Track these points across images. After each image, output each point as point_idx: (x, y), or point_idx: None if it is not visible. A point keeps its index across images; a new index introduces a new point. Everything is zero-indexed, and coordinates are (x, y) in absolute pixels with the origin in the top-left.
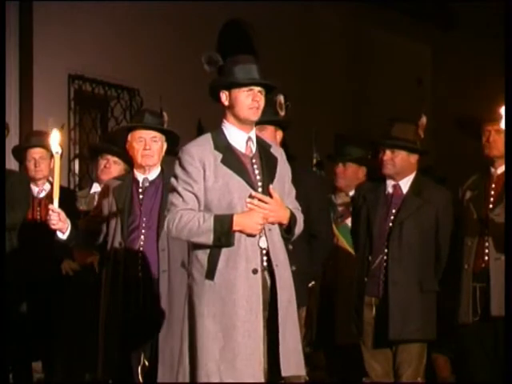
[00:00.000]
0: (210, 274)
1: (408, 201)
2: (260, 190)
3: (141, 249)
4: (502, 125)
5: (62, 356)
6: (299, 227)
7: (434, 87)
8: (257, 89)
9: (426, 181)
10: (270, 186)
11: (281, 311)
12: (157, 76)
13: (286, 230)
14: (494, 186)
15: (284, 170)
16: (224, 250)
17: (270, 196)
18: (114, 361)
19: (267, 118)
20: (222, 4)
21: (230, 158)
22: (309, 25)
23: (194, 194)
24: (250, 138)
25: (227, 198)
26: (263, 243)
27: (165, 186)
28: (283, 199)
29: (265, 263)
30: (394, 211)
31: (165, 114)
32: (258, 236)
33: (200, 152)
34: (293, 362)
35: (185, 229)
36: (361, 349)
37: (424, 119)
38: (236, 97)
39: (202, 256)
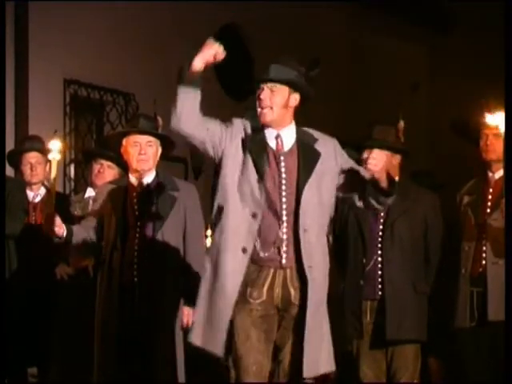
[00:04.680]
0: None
1: (396, 203)
2: (284, 187)
3: (135, 253)
4: (502, 128)
5: (58, 361)
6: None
7: (431, 91)
8: (267, 85)
9: (411, 184)
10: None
11: (309, 313)
12: (152, 81)
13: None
14: (491, 190)
15: (329, 165)
16: (223, 228)
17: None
18: (109, 365)
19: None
20: (220, 8)
21: (259, 151)
22: (306, 27)
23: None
24: (279, 136)
25: (240, 184)
26: (283, 235)
27: (160, 190)
28: (315, 195)
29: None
30: (382, 214)
31: (159, 118)
32: (278, 225)
33: (239, 124)
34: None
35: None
36: (346, 354)
37: (402, 123)
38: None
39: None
